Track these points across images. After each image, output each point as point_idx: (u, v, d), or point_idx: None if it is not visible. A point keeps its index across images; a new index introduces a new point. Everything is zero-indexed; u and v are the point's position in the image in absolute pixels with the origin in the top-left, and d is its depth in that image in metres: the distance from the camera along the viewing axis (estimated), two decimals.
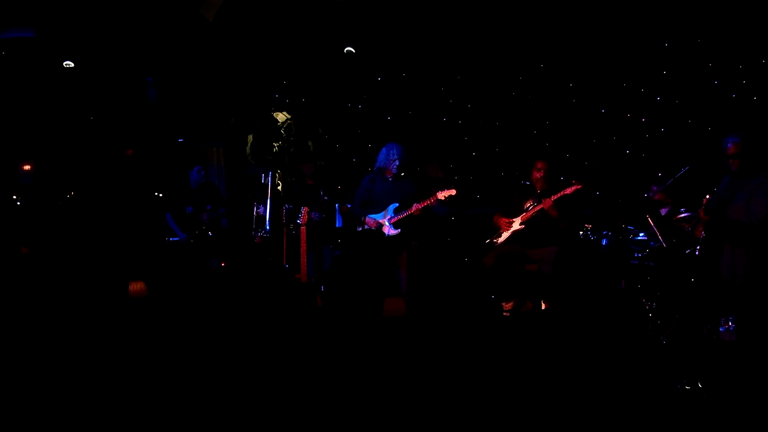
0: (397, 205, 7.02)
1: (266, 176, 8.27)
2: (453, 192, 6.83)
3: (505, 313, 6.81)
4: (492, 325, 6.63)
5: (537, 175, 6.99)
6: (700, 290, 5.78)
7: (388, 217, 7.00)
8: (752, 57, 8.07)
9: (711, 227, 5.54)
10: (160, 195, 9.37)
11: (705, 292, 5.66)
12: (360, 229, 7.16)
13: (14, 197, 9.24)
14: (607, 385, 4.50)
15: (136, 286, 6.23)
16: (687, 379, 4.38)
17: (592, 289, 7.13)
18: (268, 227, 7.82)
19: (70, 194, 9.53)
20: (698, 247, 5.80)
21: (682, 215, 6.90)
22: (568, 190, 6.74)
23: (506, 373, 4.80)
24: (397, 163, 7.05)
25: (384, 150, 7.16)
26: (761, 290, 5.22)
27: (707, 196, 5.67)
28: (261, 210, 8.02)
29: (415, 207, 6.88)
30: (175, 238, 8.23)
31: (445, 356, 5.22)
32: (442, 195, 6.82)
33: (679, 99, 8.49)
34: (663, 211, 7.51)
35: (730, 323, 5.80)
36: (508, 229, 7.02)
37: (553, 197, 6.76)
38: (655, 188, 7.51)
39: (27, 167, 9.33)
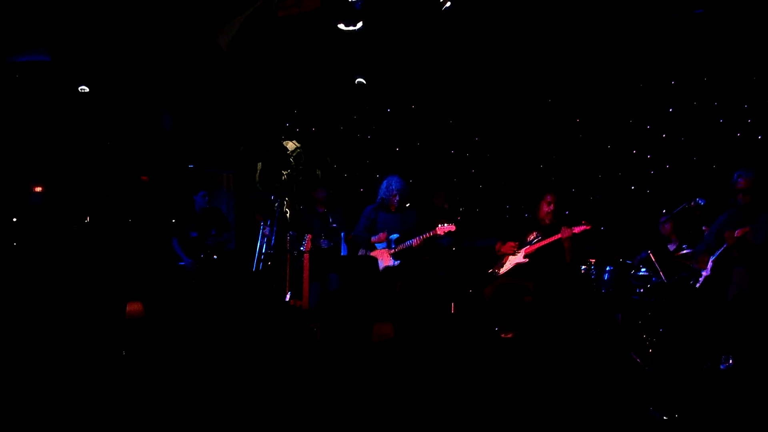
0: (398, 236, 7.06)
1: (275, 200, 8.32)
2: (453, 228, 6.95)
3: None
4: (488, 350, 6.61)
5: (547, 208, 6.84)
6: (703, 323, 5.74)
7: (390, 248, 7.05)
8: (757, 96, 8.10)
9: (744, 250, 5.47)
10: (173, 220, 9.44)
11: (707, 325, 5.62)
12: (362, 251, 7.22)
13: (23, 218, 9.33)
14: (604, 421, 4.48)
15: (133, 307, 6.22)
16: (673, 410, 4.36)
17: (572, 320, 7.06)
18: (272, 243, 7.83)
19: (86, 219, 9.61)
20: (701, 280, 5.77)
21: (684, 251, 6.92)
22: (576, 230, 6.63)
23: (499, 405, 4.79)
24: (398, 198, 7.13)
25: (384, 183, 7.25)
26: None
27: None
28: (267, 230, 8.05)
29: (416, 240, 6.96)
30: (182, 263, 8.29)
31: (439, 384, 5.21)
32: (441, 231, 6.96)
33: (685, 136, 8.51)
34: (671, 247, 7.50)
35: (730, 361, 5.78)
36: (512, 252, 7.00)
37: (575, 229, 6.61)
38: (663, 220, 7.48)
39: (38, 189, 9.44)
